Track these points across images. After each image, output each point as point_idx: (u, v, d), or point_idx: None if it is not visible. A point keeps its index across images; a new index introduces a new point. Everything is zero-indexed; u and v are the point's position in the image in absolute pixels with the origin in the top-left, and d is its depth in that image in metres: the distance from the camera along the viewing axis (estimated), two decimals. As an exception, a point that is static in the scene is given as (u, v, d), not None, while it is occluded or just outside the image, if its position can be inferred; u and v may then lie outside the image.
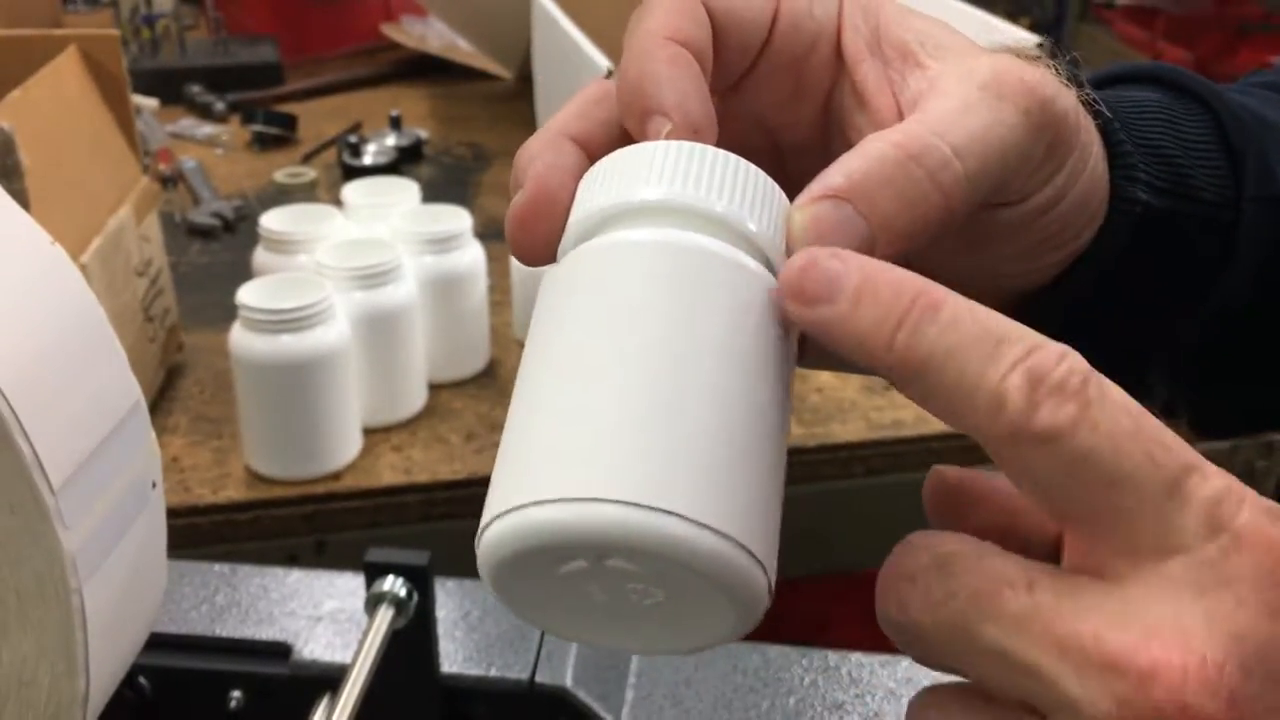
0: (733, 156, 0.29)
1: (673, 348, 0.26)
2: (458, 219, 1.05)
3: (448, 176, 1.54)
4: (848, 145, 0.30)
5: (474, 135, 1.67)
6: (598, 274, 0.28)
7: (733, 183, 0.28)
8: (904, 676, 0.62)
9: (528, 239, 0.30)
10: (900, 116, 0.32)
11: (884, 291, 0.25)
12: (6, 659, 0.38)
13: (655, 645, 0.28)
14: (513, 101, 1.74)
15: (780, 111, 0.34)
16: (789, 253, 0.28)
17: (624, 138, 0.31)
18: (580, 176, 0.30)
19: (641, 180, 0.28)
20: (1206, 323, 0.37)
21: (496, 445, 0.28)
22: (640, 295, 0.27)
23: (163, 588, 0.44)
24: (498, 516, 0.26)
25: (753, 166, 0.29)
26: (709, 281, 0.27)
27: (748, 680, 0.63)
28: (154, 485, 0.42)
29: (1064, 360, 0.24)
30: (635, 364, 0.26)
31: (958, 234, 0.33)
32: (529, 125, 1.57)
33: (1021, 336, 0.24)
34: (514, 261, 1.10)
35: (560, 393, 0.26)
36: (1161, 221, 0.34)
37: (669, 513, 0.24)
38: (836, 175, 0.29)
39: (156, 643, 0.47)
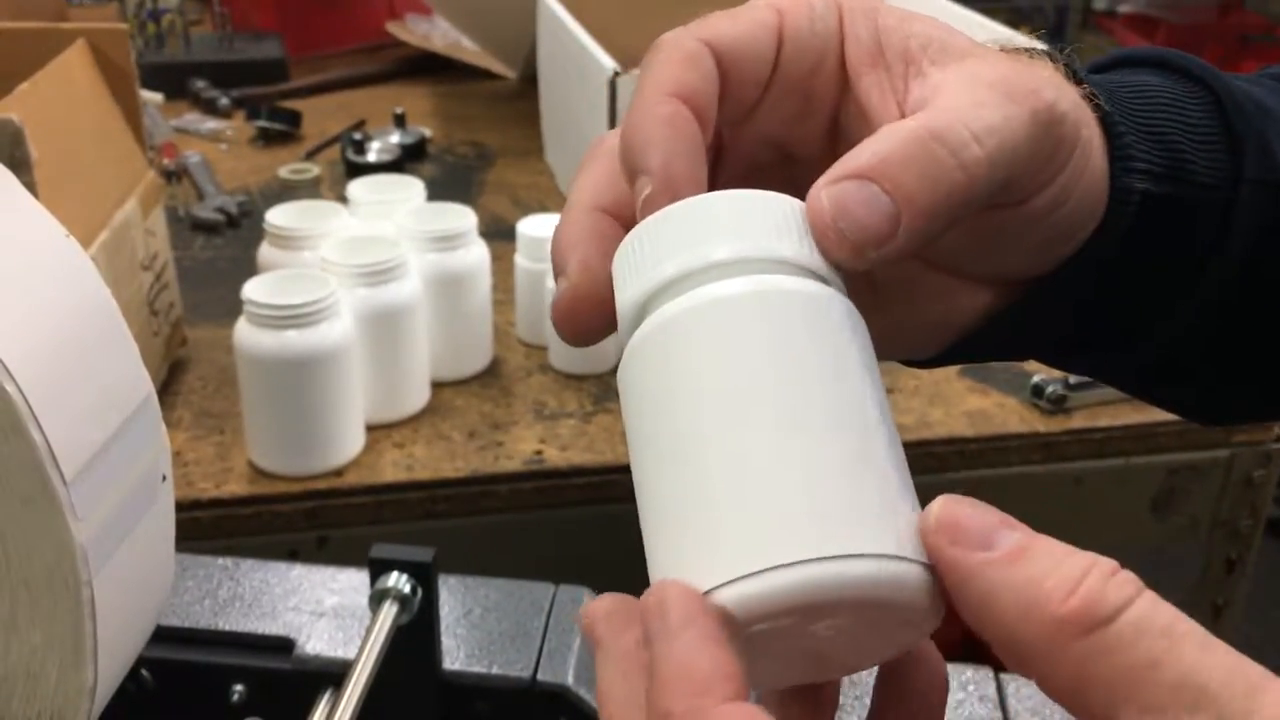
0: (744, 193, 0.30)
1: (832, 389, 0.27)
2: (462, 217, 1.05)
3: (451, 175, 1.54)
4: None
5: (478, 134, 1.67)
6: (716, 331, 0.28)
7: (761, 215, 0.29)
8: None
9: (580, 327, 0.31)
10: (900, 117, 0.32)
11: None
12: (15, 650, 0.38)
13: (833, 670, 0.29)
14: (517, 101, 1.74)
15: (790, 128, 0.35)
16: (818, 237, 0.29)
17: None
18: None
19: (704, 239, 0.29)
20: (1202, 308, 0.37)
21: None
22: (775, 343, 0.27)
23: (170, 581, 0.44)
24: (748, 576, 0.25)
25: (757, 193, 0.30)
26: (814, 314, 0.28)
27: (748, 681, 0.63)
28: (164, 478, 0.42)
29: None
30: (819, 413, 0.27)
31: (966, 235, 0.33)
32: (533, 124, 1.57)
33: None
34: (518, 261, 1.10)
35: (750, 453, 0.26)
36: (1159, 205, 0.35)
37: (898, 558, 0.25)
38: (860, 156, 0.29)
39: (159, 635, 0.47)
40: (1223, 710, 0.22)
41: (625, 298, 0.30)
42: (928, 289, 0.36)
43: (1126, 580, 0.24)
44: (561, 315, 0.31)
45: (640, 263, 0.29)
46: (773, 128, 0.35)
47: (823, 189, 0.29)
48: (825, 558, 0.25)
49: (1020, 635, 0.24)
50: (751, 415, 0.27)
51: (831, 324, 0.28)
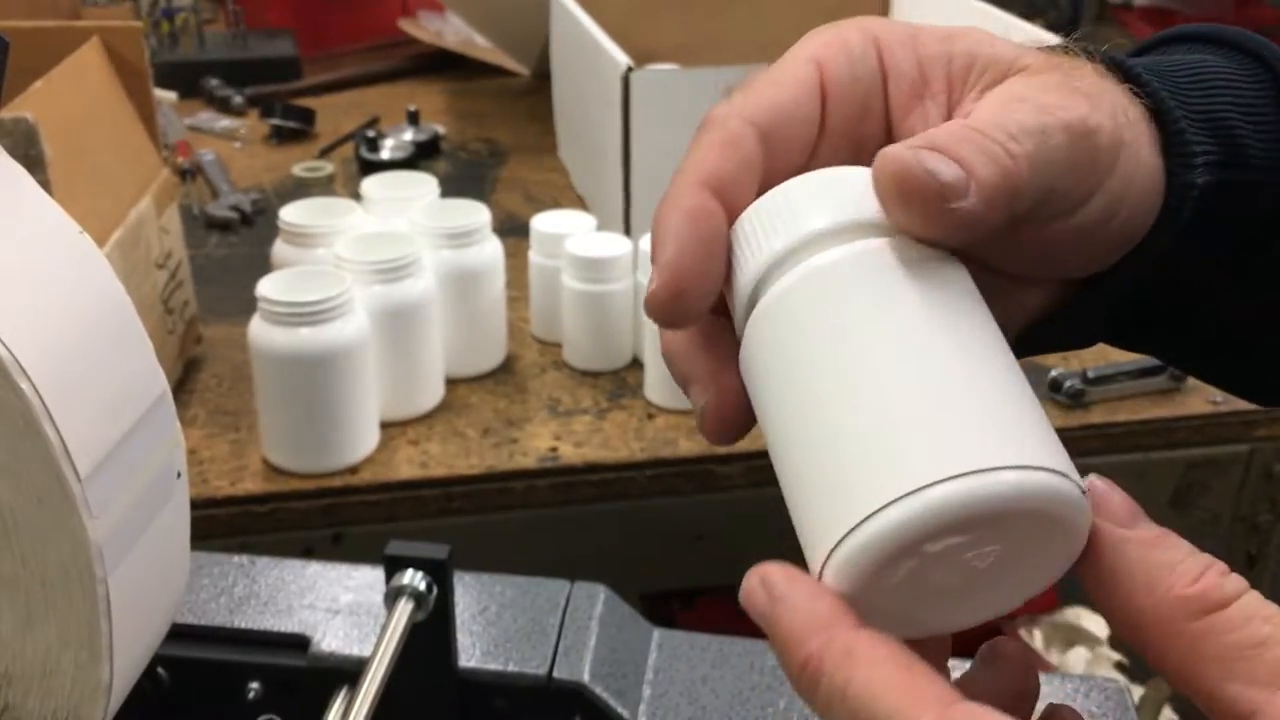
0: (820, 173, 0.31)
1: (979, 331, 0.29)
2: (476, 214, 1.05)
3: (464, 172, 1.54)
4: None
5: (490, 131, 1.67)
6: (861, 280, 0.29)
7: (840, 190, 0.31)
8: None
9: (678, 311, 0.31)
10: None
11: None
12: (31, 648, 0.38)
13: (989, 609, 0.29)
14: (530, 97, 1.74)
15: None
16: (903, 189, 0.29)
17: (766, 176, 0.32)
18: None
19: (809, 212, 0.30)
20: (1263, 284, 0.36)
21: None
22: (905, 295, 0.29)
23: (186, 578, 0.44)
24: (890, 503, 0.26)
25: (823, 172, 0.32)
26: (922, 267, 0.29)
27: (764, 678, 0.63)
28: (179, 475, 0.42)
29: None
30: (977, 346, 0.29)
31: (1023, 245, 0.33)
32: (546, 121, 1.57)
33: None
34: (532, 257, 1.10)
35: (894, 388, 0.28)
36: (1218, 192, 0.34)
37: (1040, 468, 0.26)
38: (922, 139, 0.30)
39: (175, 633, 0.47)
40: None
41: (758, 261, 0.31)
42: (983, 290, 0.36)
43: (1237, 578, 0.27)
44: (656, 305, 0.31)
45: (775, 225, 0.31)
46: None
47: (909, 151, 0.29)
48: (1002, 467, 0.26)
49: (1144, 609, 0.27)
50: (912, 350, 0.28)
51: (951, 274, 0.30)
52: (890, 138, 0.33)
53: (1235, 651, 0.25)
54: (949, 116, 0.33)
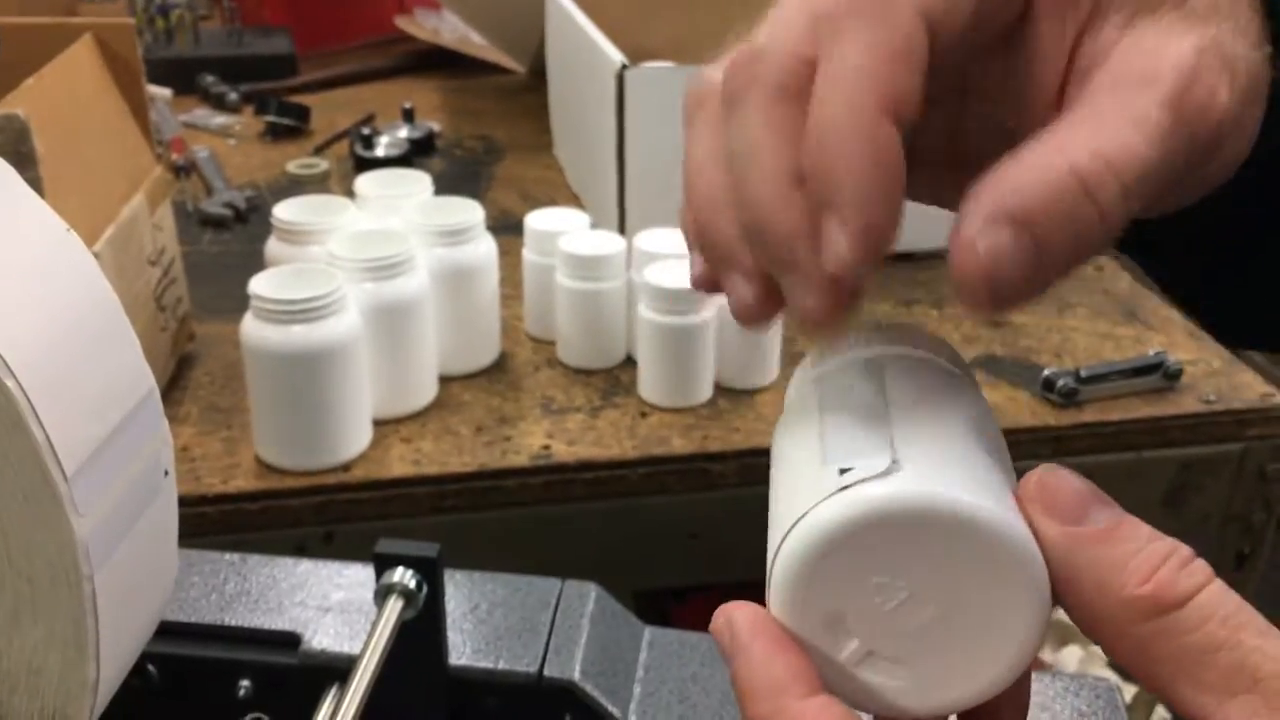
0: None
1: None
2: (470, 211, 1.05)
3: (459, 169, 1.54)
4: (1023, 97, 0.30)
5: (486, 128, 1.66)
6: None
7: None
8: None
9: (868, 264, 0.28)
10: (1065, 82, 0.30)
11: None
12: (17, 646, 0.38)
13: (958, 688, 0.28)
14: (526, 95, 1.74)
15: (972, 66, 0.32)
16: (967, 287, 0.28)
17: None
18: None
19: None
20: None
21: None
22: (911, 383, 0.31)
23: (174, 576, 0.44)
24: (809, 510, 0.27)
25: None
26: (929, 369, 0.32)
27: (756, 676, 0.63)
28: (166, 473, 0.42)
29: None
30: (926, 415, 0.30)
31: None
32: (542, 118, 1.57)
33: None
34: (526, 256, 1.10)
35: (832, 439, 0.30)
36: None
37: (961, 496, 0.26)
38: (1010, 195, 0.27)
39: (165, 631, 0.47)
40: (1268, 695, 0.24)
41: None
42: None
43: (1199, 569, 0.26)
44: (851, 260, 0.27)
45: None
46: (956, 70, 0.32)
47: (977, 232, 0.27)
48: (896, 478, 0.26)
49: (1096, 610, 0.26)
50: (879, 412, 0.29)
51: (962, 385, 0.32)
52: (1028, 27, 0.30)
53: (1187, 655, 0.25)
54: (1085, 35, 0.29)
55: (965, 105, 0.33)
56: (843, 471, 0.27)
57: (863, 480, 0.26)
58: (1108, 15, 0.29)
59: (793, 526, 0.27)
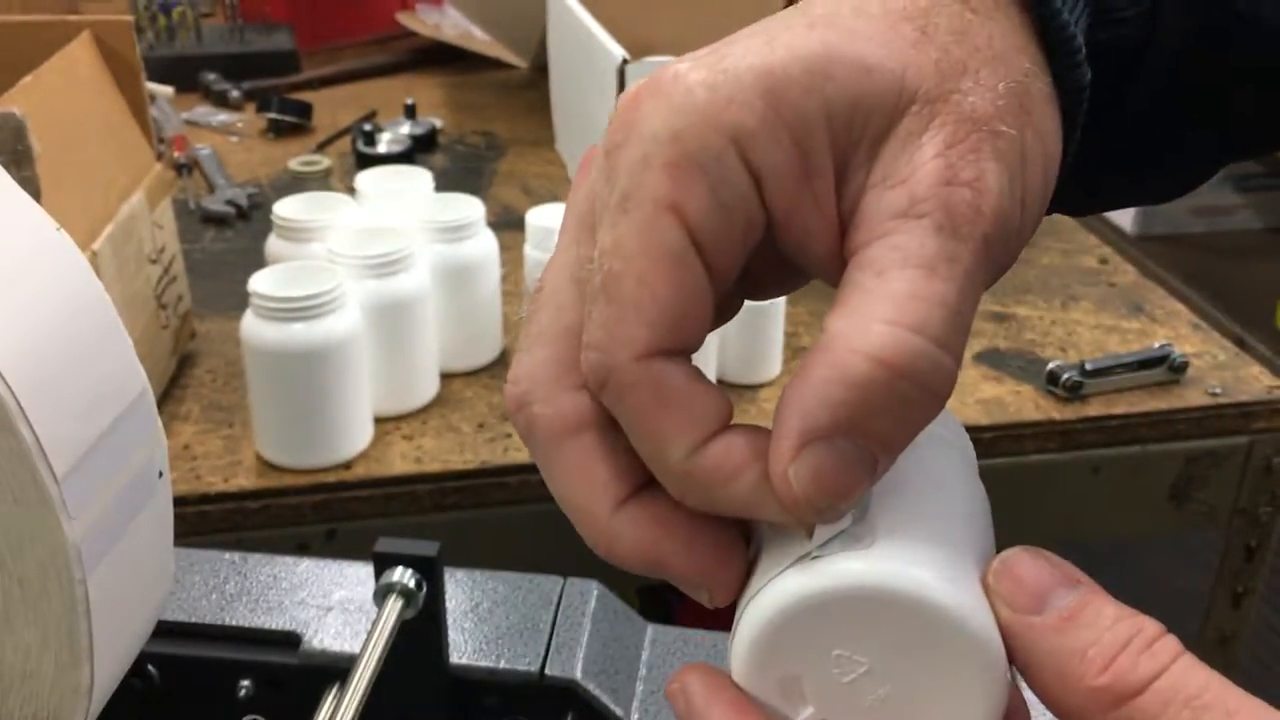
0: None
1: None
2: (471, 208, 1.05)
3: (461, 165, 1.53)
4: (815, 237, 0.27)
5: (488, 124, 1.66)
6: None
7: None
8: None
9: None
10: (841, 231, 0.27)
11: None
12: (10, 650, 0.38)
13: None
14: (527, 90, 1.73)
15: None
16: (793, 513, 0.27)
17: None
18: None
19: None
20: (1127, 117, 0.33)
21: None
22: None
23: (170, 578, 0.44)
24: (788, 568, 0.27)
25: None
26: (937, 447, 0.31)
27: (759, 674, 0.63)
28: (160, 475, 0.41)
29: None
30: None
31: None
32: (544, 114, 1.56)
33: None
34: (528, 251, 1.09)
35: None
36: (1098, 57, 0.31)
37: (924, 576, 0.26)
38: (820, 411, 0.25)
39: (165, 631, 0.46)
40: None
41: None
42: None
43: (1163, 648, 0.25)
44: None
45: None
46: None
47: (788, 461, 0.25)
48: (866, 554, 0.26)
49: (1060, 700, 0.25)
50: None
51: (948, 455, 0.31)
52: (776, 236, 0.28)
53: None
54: (839, 191, 0.27)
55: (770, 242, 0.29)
56: (818, 542, 0.27)
57: (833, 553, 0.26)
58: (853, 154, 0.27)
59: (760, 589, 0.27)
